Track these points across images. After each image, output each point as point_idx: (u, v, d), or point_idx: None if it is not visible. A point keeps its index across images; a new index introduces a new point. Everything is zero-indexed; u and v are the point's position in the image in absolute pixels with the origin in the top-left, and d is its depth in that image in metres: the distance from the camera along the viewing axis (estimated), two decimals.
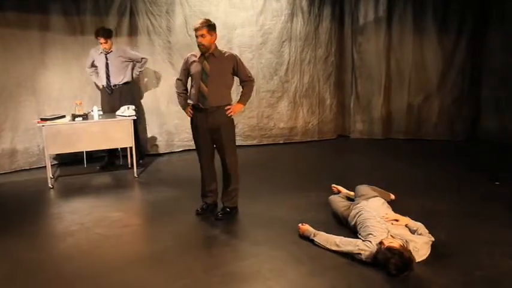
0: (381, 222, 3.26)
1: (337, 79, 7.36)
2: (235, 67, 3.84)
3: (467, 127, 6.96)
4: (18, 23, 5.53)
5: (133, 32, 6.18)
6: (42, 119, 4.97)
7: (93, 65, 5.69)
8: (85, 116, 5.10)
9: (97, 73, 5.70)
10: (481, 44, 6.73)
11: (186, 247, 3.47)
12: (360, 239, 3.21)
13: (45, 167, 5.12)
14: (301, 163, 6.09)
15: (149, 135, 6.47)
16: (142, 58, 5.74)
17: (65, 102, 5.84)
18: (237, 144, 6.74)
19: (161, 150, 6.56)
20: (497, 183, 4.76)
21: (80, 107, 5.16)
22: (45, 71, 5.80)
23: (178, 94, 3.99)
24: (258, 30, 6.73)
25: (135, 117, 5.26)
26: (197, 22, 3.74)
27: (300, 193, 4.60)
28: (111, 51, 5.51)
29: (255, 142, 7.03)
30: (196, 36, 3.70)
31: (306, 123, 7.25)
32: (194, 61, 3.83)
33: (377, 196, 3.74)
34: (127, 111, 5.22)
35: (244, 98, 3.97)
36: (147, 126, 6.42)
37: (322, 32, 7.11)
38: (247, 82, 3.93)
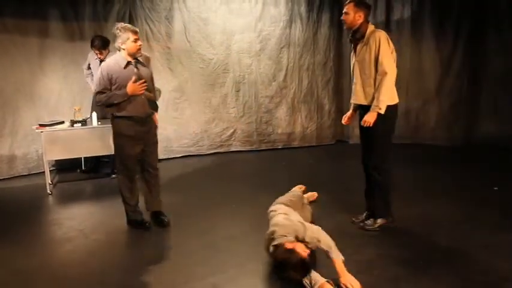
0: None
1: (335, 85, 7.39)
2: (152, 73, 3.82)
3: (466, 131, 6.96)
4: (16, 29, 5.54)
5: None
6: (41, 125, 4.98)
7: (89, 67, 5.66)
8: (84, 122, 5.10)
9: (92, 76, 5.67)
10: (479, 47, 6.74)
11: (185, 253, 3.46)
12: None
13: (44, 172, 5.11)
14: (300, 168, 6.09)
15: None
16: None
17: (64, 108, 5.84)
18: (235, 149, 6.94)
19: (160, 156, 6.52)
20: (496, 188, 4.77)
21: (79, 112, 5.17)
22: (44, 77, 5.81)
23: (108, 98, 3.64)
24: (256, 36, 6.76)
25: None
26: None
27: None
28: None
29: (253, 147, 7.04)
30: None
31: (304, 128, 7.26)
32: (119, 69, 3.59)
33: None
34: None
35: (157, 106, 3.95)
36: None
37: (321, 38, 7.15)
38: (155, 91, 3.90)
